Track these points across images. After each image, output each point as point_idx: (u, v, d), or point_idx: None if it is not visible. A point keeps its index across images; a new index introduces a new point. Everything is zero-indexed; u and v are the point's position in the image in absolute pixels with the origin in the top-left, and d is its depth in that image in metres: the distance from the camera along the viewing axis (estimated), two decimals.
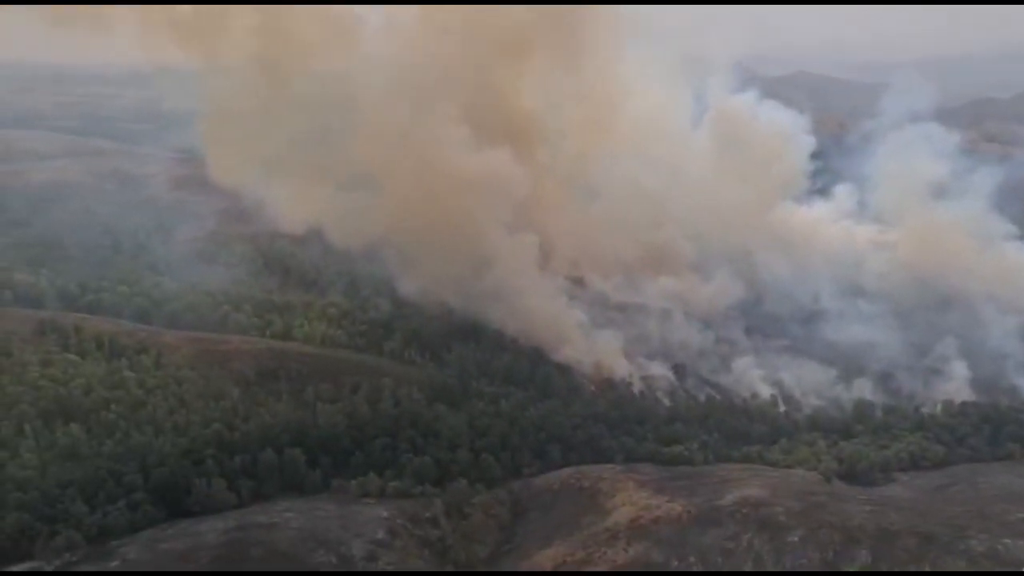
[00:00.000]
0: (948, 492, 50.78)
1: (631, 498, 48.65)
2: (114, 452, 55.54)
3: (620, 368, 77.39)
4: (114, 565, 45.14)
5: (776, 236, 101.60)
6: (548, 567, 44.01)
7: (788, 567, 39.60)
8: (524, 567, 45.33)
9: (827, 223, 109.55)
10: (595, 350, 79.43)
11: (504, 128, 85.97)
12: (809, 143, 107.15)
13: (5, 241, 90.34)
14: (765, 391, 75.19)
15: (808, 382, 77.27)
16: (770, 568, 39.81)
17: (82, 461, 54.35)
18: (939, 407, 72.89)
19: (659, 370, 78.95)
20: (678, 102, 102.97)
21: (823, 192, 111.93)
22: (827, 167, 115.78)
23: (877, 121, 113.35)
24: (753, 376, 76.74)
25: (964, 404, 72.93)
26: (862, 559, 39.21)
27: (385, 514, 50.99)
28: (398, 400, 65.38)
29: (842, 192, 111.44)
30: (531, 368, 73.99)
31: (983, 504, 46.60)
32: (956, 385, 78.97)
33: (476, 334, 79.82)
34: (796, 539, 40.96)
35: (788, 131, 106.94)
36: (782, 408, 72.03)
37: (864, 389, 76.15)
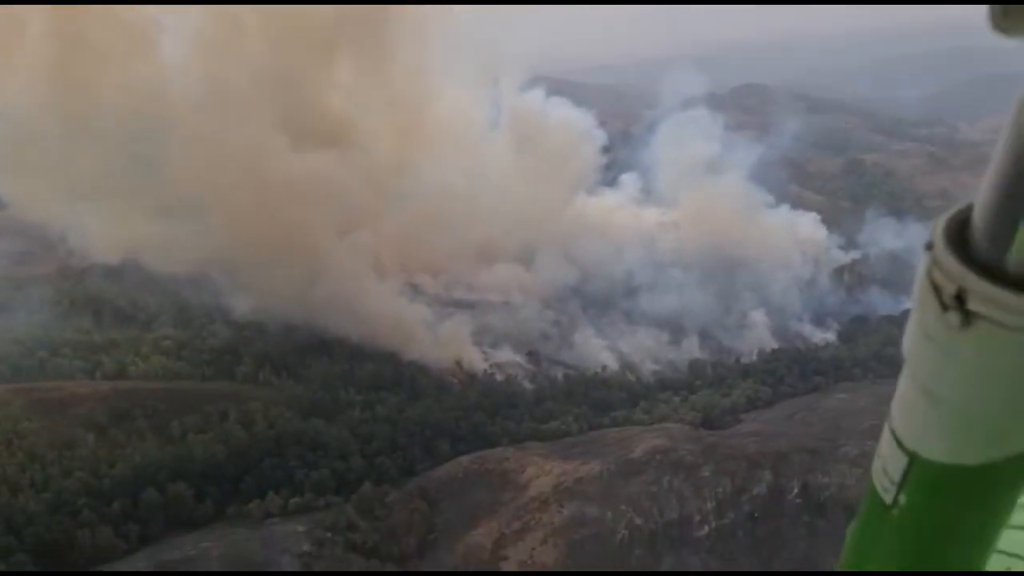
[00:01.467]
0: (797, 419, 58.67)
1: (543, 469, 51.40)
2: None
3: (476, 360, 79.98)
4: None
5: (578, 226, 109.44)
6: (487, 544, 45.62)
7: (705, 499, 44.35)
8: (460, 548, 46.61)
9: (619, 210, 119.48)
10: (445, 346, 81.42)
11: (321, 134, 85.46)
12: (600, 137, 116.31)
13: None
14: (611, 361, 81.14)
15: (644, 348, 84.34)
16: (691, 501, 44.35)
17: None
18: (755, 356, 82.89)
19: (510, 357, 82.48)
20: (477, 104, 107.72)
21: (610, 183, 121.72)
22: (613, 159, 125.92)
23: (653, 113, 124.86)
24: (597, 349, 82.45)
25: (774, 351, 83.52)
26: (766, 479, 44.88)
27: (301, 528, 49.90)
28: (271, 421, 63.50)
29: (626, 180, 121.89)
30: (395, 372, 74.52)
31: (832, 422, 54.59)
32: (759, 333, 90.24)
33: (326, 347, 78.80)
34: (708, 473, 45.84)
35: (579, 128, 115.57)
36: (631, 376, 78.11)
37: (692, 349, 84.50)
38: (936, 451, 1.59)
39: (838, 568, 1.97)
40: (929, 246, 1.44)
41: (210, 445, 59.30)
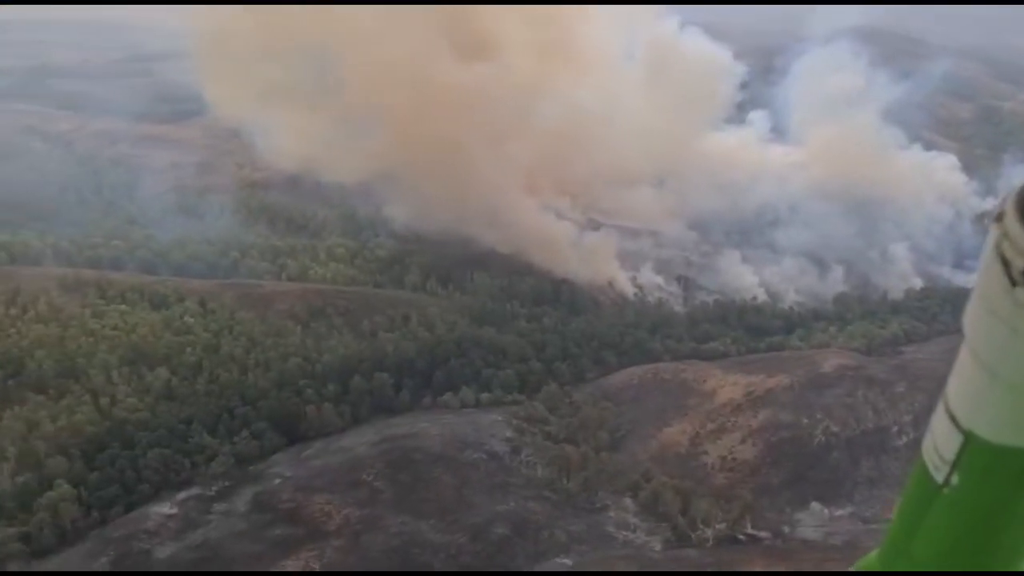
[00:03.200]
0: None
1: (726, 380, 54.69)
2: (208, 390, 55.84)
3: (622, 281, 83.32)
4: (276, 484, 46.64)
5: (708, 161, 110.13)
6: (683, 440, 49.44)
7: (902, 412, 46.95)
8: (654, 444, 50.60)
9: (747, 148, 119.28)
10: (593, 266, 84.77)
11: (472, 48, 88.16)
12: (739, 72, 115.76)
13: None
14: (757, 290, 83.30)
15: (788, 278, 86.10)
16: (888, 413, 47.05)
17: (182, 401, 54.42)
18: (902, 293, 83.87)
19: (652, 279, 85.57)
20: (619, 31, 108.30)
21: (738, 120, 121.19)
22: (749, 93, 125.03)
23: (798, 46, 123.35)
24: (745, 276, 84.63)
25: (922, 289, 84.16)
26: None
27: (499, 418, 54.57)
28: (450, 326, 68.30)
29: (756, 118, 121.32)
30: (553, 289, 78.43)
31: None
32: (901, 268, 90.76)
33: (483, 260, 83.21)
34: (902, 389, 48.36)
35: (718, 61, 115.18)
36: (783, 305, 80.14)
37: (837, 281, 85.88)
38: (993, 431, 1.51)
39: (884, 545, 1.92)
40: (999, 217, 1.36)
41: (400, 343, 64.52)
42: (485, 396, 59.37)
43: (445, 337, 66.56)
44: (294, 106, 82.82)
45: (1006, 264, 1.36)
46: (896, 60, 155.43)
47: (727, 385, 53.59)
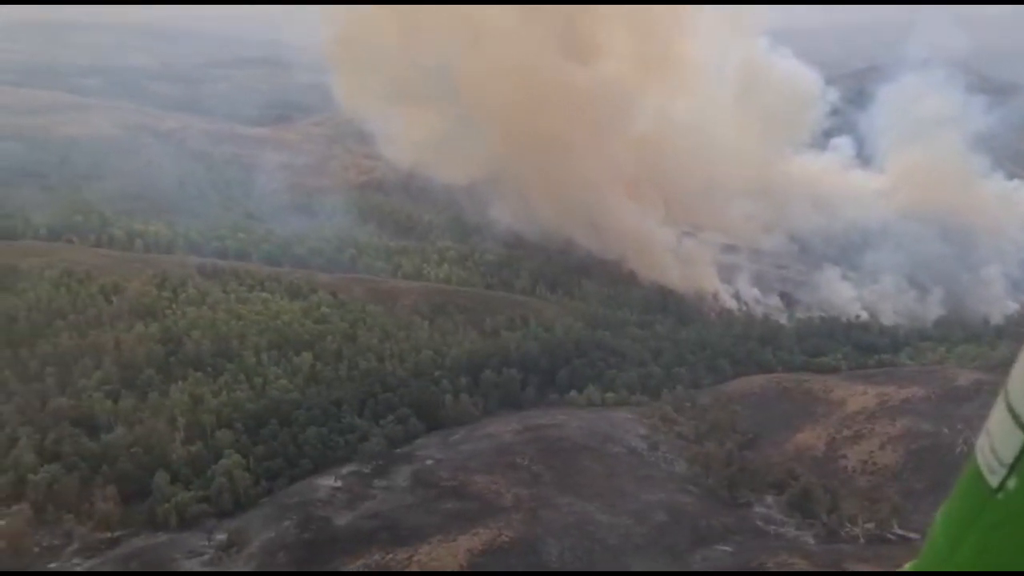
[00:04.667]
0: None
1: (853, 390, 55.91)
2: (350, 375, 58.50)
3: (722, 293, 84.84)
4: (428, 464, 48.90)
5: (794, 184, 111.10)
6: (819, 445, 50.80)
7: None
8: (789, 447, 52.00)
9: (831, 173, 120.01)
10: (696, 277, 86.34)
11: (582, 50, 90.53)
12: (829, 98, 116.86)
13: (89, 195, 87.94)
14: (855, 307, 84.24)
15: (887, 298, 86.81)
16: None
17: (328, 384, 57.11)
18: (1003, 319, 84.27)
19: (750, 291, 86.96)
20: (712, 45, 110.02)
21: (822, 144, 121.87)
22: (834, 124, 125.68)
23: (887, 71, 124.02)
24: (844, 293, 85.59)
25: None
26: None
27: (630, 416, 56.31)
28: (567, 329, 70.38)
29: (840, 144, 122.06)
30: (660, 299, 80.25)
31: None
32: (995, 293, 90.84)
33: (586, 268, 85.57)
34: None
35: (809, 86, 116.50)
36: (887, 323, 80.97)
37: (934, 302, 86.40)
38: None
39: (923, 553, 1.77)
40: None
41: (522, 342, 66.70)
42: (610, 396, 61.27)
43: (564, 338, 68.66)
44: (414, 106, 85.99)
45: None
46: (972, 93, 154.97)
47: (856, 395, 54.81)
